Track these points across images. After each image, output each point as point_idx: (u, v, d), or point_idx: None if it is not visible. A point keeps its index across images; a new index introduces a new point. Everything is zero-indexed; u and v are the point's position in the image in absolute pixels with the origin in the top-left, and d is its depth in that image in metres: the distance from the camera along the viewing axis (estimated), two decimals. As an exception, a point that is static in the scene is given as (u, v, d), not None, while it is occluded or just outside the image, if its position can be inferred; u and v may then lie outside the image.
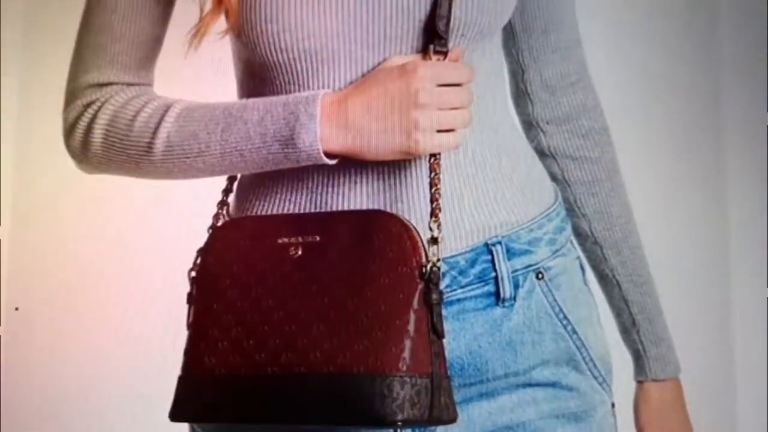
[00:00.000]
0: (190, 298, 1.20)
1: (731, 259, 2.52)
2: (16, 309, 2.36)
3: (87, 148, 1.25)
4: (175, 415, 1.17)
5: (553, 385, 1.23)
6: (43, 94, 2.22)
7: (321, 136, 1.14)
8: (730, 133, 2.51)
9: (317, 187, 1.21)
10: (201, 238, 1.23)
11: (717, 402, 2.44)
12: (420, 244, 1.12)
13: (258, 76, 1.22)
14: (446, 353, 1.12)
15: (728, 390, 2.49)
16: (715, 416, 2.38)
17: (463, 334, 1.20)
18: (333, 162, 1.16)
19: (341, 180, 1.20)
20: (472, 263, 1.21)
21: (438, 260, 1.12)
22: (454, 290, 1.20)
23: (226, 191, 1.28)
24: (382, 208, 1.19)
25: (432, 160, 1.16)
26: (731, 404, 2.49)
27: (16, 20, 2.35)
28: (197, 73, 1.82)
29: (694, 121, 2.52)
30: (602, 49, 2.12)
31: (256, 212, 1.24)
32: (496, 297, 1.21)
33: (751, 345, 2.49)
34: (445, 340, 1.11)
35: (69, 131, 1.26)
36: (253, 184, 1.25)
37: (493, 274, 1.21)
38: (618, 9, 2.48)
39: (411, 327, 1.09)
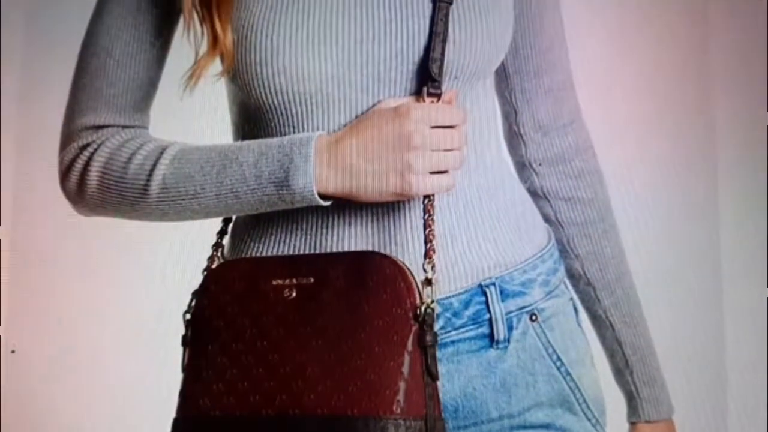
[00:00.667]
0: (185, 340, 1.19)
1: (722, 264, 2.51)
2: (13, 351, 2.34)
3: (83, 190, 1.24)
4: None
5: (547, 426, 1.23)
6: (40, 141, 2.21)
7: (315, 177, 1.14)
8: (721, 133, 2.50)
9: (312, 229, 1.21)
10: (196, 279, 1.22)
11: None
12: (414, 285, 1.12)
13: (253, 119, 1.22)
14: (440, 395, 1.11)
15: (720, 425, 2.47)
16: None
17: (458, 376, 1.20)
18: (327, 203, 1.16)
19: (335, 221, 1.20)
20: (466, 305, 1.20)
21: (432, 302, 1.12)
22: (449, 332, 1.20)
23: (221, 233, 1.28)
24: (377, 249, 1.19)
25: (426, 201, 1.16)
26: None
27: (17, 26, 2.35)
28: (192, 114, 1.82)
29: (685, 121, 2.51)
30: (594, 48, 2.12)
31: (251, 254, 1.24)
32: (490, 339, 1.21)
33: (745, 377, 2.48)
34: (439, 382, 1.11)
35: (65, 173, 1.26)
36: (248, 226, 1.25)
37: (487, 316, 1.21)
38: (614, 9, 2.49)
39: (405, 369, 1.09)
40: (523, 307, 1.23)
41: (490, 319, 1.21)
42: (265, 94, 1.18)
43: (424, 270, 1.14)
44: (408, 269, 1.13)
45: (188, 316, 1.20)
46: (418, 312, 1.11)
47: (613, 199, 1.41)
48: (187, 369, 1.18)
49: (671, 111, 2.48)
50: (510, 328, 1.22)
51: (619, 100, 2.37)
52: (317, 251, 1.20)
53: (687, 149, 2.50)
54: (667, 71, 2.49)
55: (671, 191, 2.46)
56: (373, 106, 1.18)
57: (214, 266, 1.24)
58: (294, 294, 1.15)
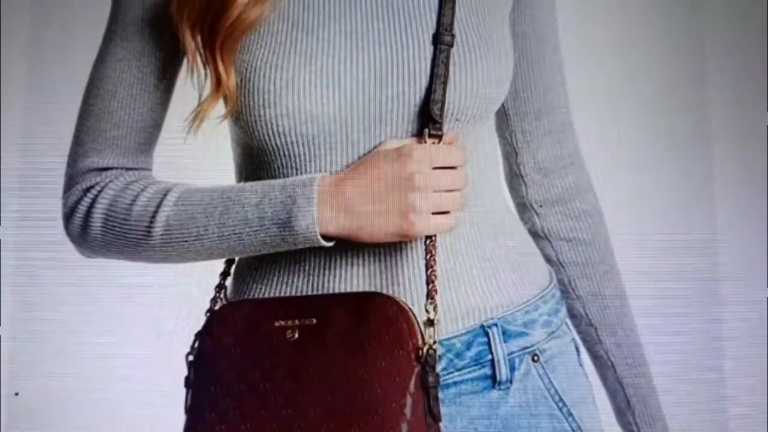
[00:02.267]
0: (188, 382, 1.18)
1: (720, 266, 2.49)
2: (16, 394, 2.33)
3: (86, 232, 1.23)
4: None
5: (549, 467, 1.22)
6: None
7: (318, 218, 1.13)
8: (718, 131, 2.49)
9: (314, 270, 1.20)
10: (199, 321, 1.21)
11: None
12: (416, 326, 1.11)
13: (256, 160, 1.22)
14: (443, 436, 1.10)
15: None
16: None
17: (460, 418, 1.19)
18: (330, 244, 1.15)
19: (338, 262, 1.19)
20: (469, 345, 1.19)
21: (434, 342, 1.11)
22: (451, 373, 1.18)
23: (224, 274, 1.27)
24: (379, 289, 1.18)
25: (428, 241, 1.16)
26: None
27: (19, 65, 2.35)
28: (196, 156, 1.82)
29: (681, 121, 2.50)
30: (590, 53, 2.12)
31: (254, 295, 1.23)
32: (493, 380, 1.20)
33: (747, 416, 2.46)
34: (441, 424, 1.10)
35: (68, 215, 1.25)
36: (251, 267, 1.24)
37: (490, 357, 1.20)
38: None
39: (407, 410, 1.08)
40: (526, 348, 1.22)
41: (492, 360, 1.20)
42: (268, 136, 1.18)
43: (426, 311, 1.13)
44: (410, 310, 1.12)
45: (191, 358, 1.19)
46: (420, 353, 1.10)
47: (610, 201, 1.40)
48: (189, 410, 1.16)
49: (667, 115, 2.47)
50: (512, 369, 1.21)
51: (615, 104, 2.37)
52: (319, 292, 1.19)
53: (683, 153, 2.49)
54: (662, 75, 2.49)
55: (667, 193, 2.45)
56: (375, 147, 1.17)
57: (217, 307, 1.23)
58: (296, 335, 1.14)
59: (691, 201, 2.47)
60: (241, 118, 1.19)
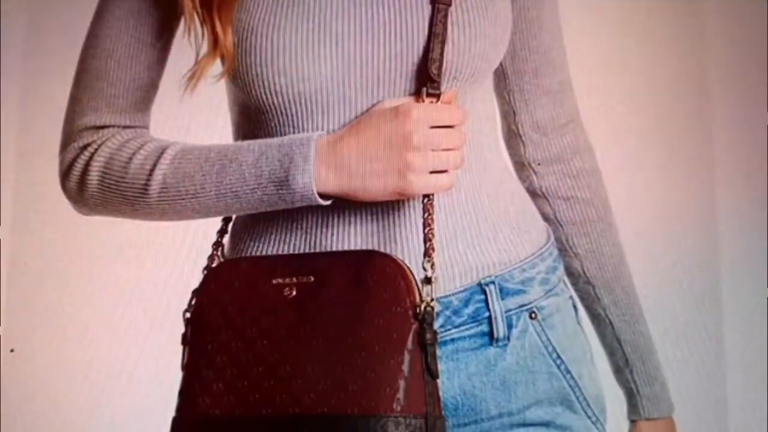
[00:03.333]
0: (185, 339, 1.18)
1: (721, 264, 2.50)
2: (12, 351, 2.34)
3: (83, 189, 1.23)
4: None
5: (547, 424, 1.21)
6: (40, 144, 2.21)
7: (315, 177, 1.13)
8: (718, 132, 2.49)
9: (312, 228, 1.19)
10: (196, 278, 1.21)
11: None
12: (414, 284, 1.11)
13: (253, 119, 1.21)
14: (440, 393, 1.10)
15: (720, 425, 2.47)
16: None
17: (457, 374, 1.19)
18: (327, 203, 1.15)
19: (335, 220, 1.18)
20: (466, 303, 1.19)
21: (432, 300, 1.10)
22: (448, 330, 1.18)
23: (221, 232, 1.27)
24: (376, 248, 1.17)
25: (425, 200, 1.15)
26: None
27: (17, 27, 2.34)
28: (193, 115, 1.82)
29: (682, 121, 2.51)
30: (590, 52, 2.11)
31: (251, 253, 1.22)
32: (490, 337, 1.20)
33: (743, 381, 2.47)
34: (439, 380, 1.10)
35: (66, 173, 1.25)
36: (248, 225, 1.24)
37: (487, 314, 1.20)
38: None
39: (405, 367, 1.07)
40: (523, 306, 1.22)
41: (489, 317, 1.20)
42: (265, 94, 1.17)
43: (424, 269, 1.13)
44: (408, 268, 1.12)
45: (188, 315, 1.18)
46: (417, 310, 1.10)
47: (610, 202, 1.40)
48: (186, 368, 1.16)
49: (668, 115, 2.48)
50: (509, 326, 1.20)
51: (616, 103, 2.37)
52: (317, 250, 1.18)
53: (684, 152, 2.50)
54: (663, 76, 2.49)
55: (668, 194, 2.46)
56: (373, 106, 1.17)
57: (214, 265, 1.23)
58: (294, 293, 1.14)
59: (691, 201, 2.48)
60: (239, 77, 1.18)
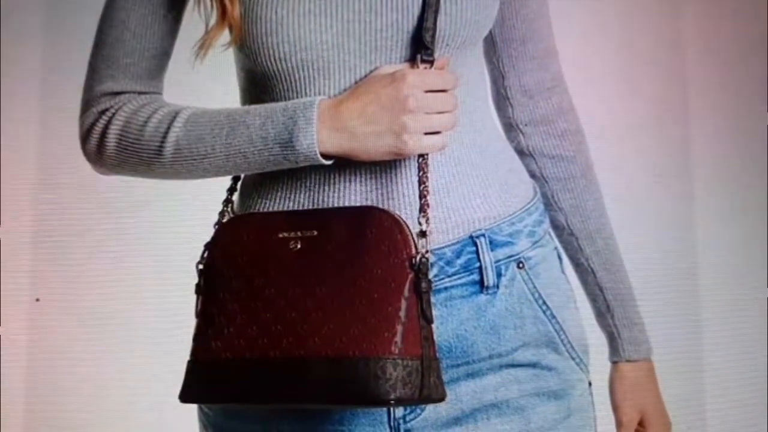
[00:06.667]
0: (199, 289, 1.21)
1: (698, 258, 2.50)
2: (37, 300, 2.35)
3: (102, 151, 1.26)
4: (185, 396, 1.18)
5: (534, 365, 1.24)
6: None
7: (318, 138, 1.15)
8: (695, 133, 2.49)
9: (315, 186, 1.22)
10: (208, 233, 1.23)
11: (685, 379, 2.43)
12: (410, 237, 1.13)
13: (259, 85, 1.23)
14: (435, 337, 1.13)
15: (695, 367, 2.48)
16: (683, 390, 2.37)
17: (450, 320, 1.21)
18: (329, 162, 1.17)
19: (337, 179, 1.21)
20: (458, 254, 1.22)
21: (427, 252, 1.13)
22: (442, 279, 1.20)
23: (231, 190, 1.29)
24: (375, 204, 1.20)
25: (420, 159, 1.18)
26: (699, 380, 2.48)
27: (36, 18, 2.34)
28: (203, 81, 1.83)
29: (662, 120, 2.50)
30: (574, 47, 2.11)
31: (259, 209, 1.24)
32: (481, 285, 1.22)
33: (718, 326, 2.47)
34: (433, 325, 1.12)
35: (85, 136, 1.28)
36: (256, 184, 1.26)
37: (478, 264, 1.22)
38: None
39: (402, 313, 1.10)
40: (511, 256, 1.24)
41: (480, 267, 1.22)
42: (271, 62, 1.20)
43: (419, 223, 1.15)
44: (404, 222, 1.14)
45: (201, 267, 1.21)
46: (413, 261, 1.12)
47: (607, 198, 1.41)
48: (200, 315, 1.19)
49: (650, 113, 2.46)
50: (499, 275, 1.23)
51: (604, 100, 2.36)
52: (320, 206, 1.21)
53: (664, 152, 2.48)
54: (645, 74, 2.48)
55: (648, 194, 2.45)
56: (371, 72, 1.19)
57: (224, 220, 1.25)
58: (299, 246, 1.16)
59: (690, 201, 2.47)
60: (245, 45, 1.21)
